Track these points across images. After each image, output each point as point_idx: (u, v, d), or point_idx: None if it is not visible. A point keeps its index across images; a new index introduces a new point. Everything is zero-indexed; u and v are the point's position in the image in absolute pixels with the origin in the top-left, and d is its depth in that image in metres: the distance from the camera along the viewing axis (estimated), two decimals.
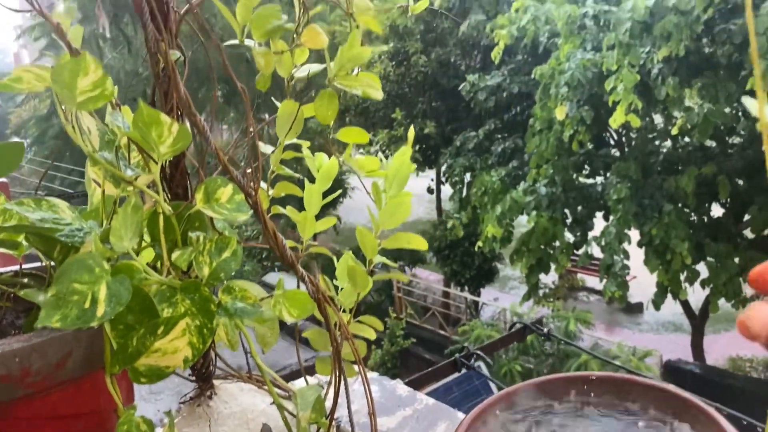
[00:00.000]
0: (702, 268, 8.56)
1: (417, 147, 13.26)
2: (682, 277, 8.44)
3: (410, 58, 12.36)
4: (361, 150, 13.39)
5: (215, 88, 1.10)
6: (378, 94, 1.21)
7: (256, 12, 1.10)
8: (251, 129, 1.02)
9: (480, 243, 9.56)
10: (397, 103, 13.02)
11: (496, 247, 9.42)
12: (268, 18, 1.10)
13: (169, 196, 1.03)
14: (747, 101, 0.49)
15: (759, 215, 8.74)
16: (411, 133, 1.40)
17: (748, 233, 9.33)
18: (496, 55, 9.38)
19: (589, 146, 9.64)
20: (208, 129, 0.90)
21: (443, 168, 12.50)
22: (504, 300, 13.93)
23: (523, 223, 10.05)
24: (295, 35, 1.15)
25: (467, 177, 11.61)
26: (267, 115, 1.18)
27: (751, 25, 0.53)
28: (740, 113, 9.10)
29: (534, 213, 9.00)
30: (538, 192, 9.14)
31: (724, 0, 7.23)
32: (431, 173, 15.02)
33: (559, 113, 7.93)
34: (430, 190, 15.48)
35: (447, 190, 12.75)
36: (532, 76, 8.94)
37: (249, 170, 1.04)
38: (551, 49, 9.59)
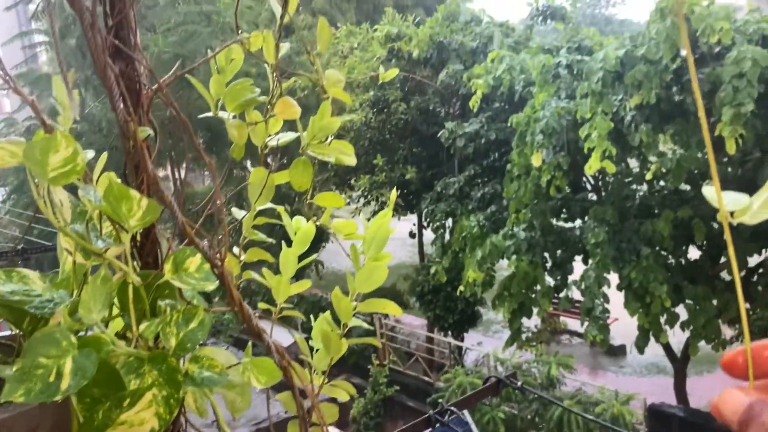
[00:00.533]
0: (681, 311, 8.64)
1: (399, 192, 13.33)
2: (663, 320, 8.50)
3: (390, 105, 12.57)
4: (343, 195, 13.47)
5: (194, 141, 1.14)
6: (351, 161, 1.26)
7: (230, 86, 1.15)
8: (218, 201, 1.05)
9: (462, 288, 9.58)
10: (379, 150, 13.17)
11: (477, 292, 9.45)
12: (242, 92, 1.15)
13: (139, 264, 1.06)
14: (706, 192, 0.53)
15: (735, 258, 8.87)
16: (393, 195, 1.45)
17: (725, 275, 9.46)
18: (474, 103, 9.59)
19: (567, 190, 9.80)
20: (175, 204, 0.94)
21: (425, 213, 12.59)
22: (488, 344, 13.88)
23: (504, 267, 10.11)
24: (269, 106, 1.20)
25: (448, 222, 11.70)
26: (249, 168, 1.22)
27: (695, 82, 0.58)
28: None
29: (514, 257, 9.07)
30: (518, 236, 9.22)
31: (692, 50, 7.49)
32: (413, 218, 15.11)
33: (536, 160, 8.08)
34: (412, 235, 15.54)
35: (429, 234, 12.82)
36: (509, 123, 9.12)
37: (220, 236, 1.07)
38: (527, 97, 9.83)
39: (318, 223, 1.29)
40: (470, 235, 10.29)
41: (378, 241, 1.20)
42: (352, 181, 13.20)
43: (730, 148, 6.87)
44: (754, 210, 0.51)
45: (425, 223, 13.19)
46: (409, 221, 15.19)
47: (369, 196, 12.98)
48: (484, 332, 15.56)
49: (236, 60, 1.15)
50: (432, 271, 11.60)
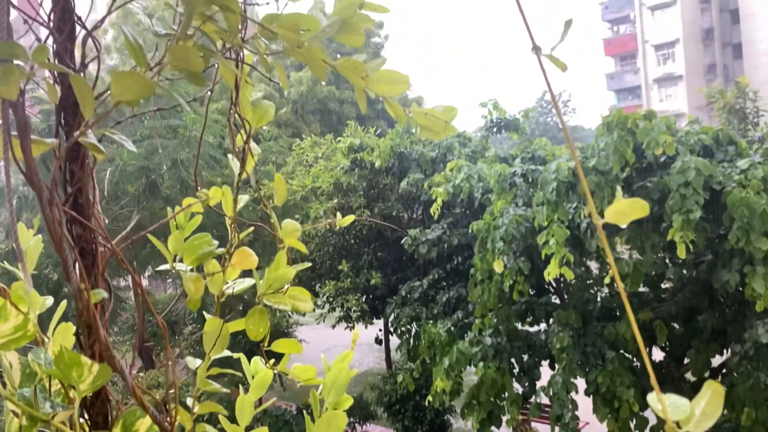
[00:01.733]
0: (650, 415, 8.56)
1: (364, 297, 13.32)
2: (632, 425, 8.40)
3: (354, 212, 12.77)
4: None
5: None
6: (307, 306, 1.28)
7: (188, 241, 1.18)
8: (169, 361, 1.06)
9: (430, 398, 9.39)
10: (343, 255, 13.24)
11: (446, 401, 9.26)
12: (199, 246, 1.18)
13: (88, 423, 1.04)
14: (650, 400, 0.56)
15: (697, 358, 8.97)
16: (356, 334, 1.46)
17: (690, 376, 9.49)
18: (435, 211, 9.83)
19: (531, 292, 9.90)
20: (126, 369, 0.94)
21: (390, 318, 12.51)
22: None
23: (472, 373, 9.97)
24: (227, 256, 1.24)
25: (414, 327, 11.63)
26: None
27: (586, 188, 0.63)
28: (667, 260, 9.63)
29: (481, 364, 8.98)
30: (484, 342, 9.18)
31: (638, 161, 7.91)
32: (379, 323, 14.97)
33: (497, 266, 8.21)
34: (378, 341, 15.34)
35: (395, 339, 12.67)
36: (470, 230, 9.33)
37: (171, 390, 1.06)
38: (486, 204, 10.13)
39: (276, 371, 1.29)
40: (439, 342, 10.22)
41: (338, 386, 1.21)
42: (317, 288, 13.13)
43: (681, 252, 7.11)
44: (696, 418, 0.54)
45: (391, 329, 13.08)
46: (377, 326, 15.04)
47: (334, 303, 12.89)
48: None
49: (195, 218, 1.19)
50: (399, 379, 11.38)
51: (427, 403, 9.86)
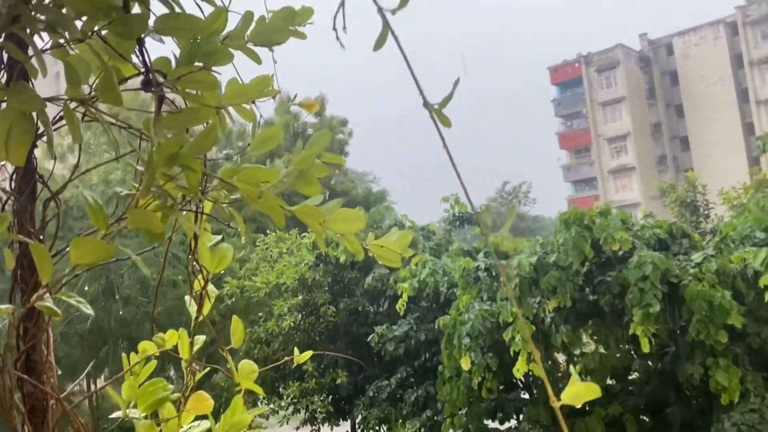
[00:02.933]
0: None
1: (330, 398, 12.95)
2: None
3: (319, 308, 12.63)
4: (272, 405, 12.89)
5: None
6: None
7: (142, 387, 1.17)
8: None
9: None
10: None
11: None
12: (154, 392, 1.17)
13: None
14: None
15: None
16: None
17: None
18: (400, 307, 9.80)
19: (500, 388, 9.77)
20: None
21: (358, 419, 12.14)
22: None
23: None
24: (182, 400, 1.22)
25: (383, 428, 11.29)
26: None
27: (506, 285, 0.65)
28: (632, 352, 9.67)
29: None
30: None
31: (597, 255, 8.10)
32: (346, 425, 14.48)
33: (464, 364, 8.14)
34: None
35: None
36: (436, 326, 9.29)
37: None
38: (452, 298, 10.15)
39: None
40: None
41: None
42: (281, 389, 12.73)
43: (644, 346, 7.18)
44: None
45: (359, 430, 12.65)
46: (343, 428, 14.54)
47: (298, 404, 12.48)
48: None
49: (150, 363, 1.18)
50: None
51: None
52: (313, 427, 12.89)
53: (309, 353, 1.41)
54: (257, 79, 1.18)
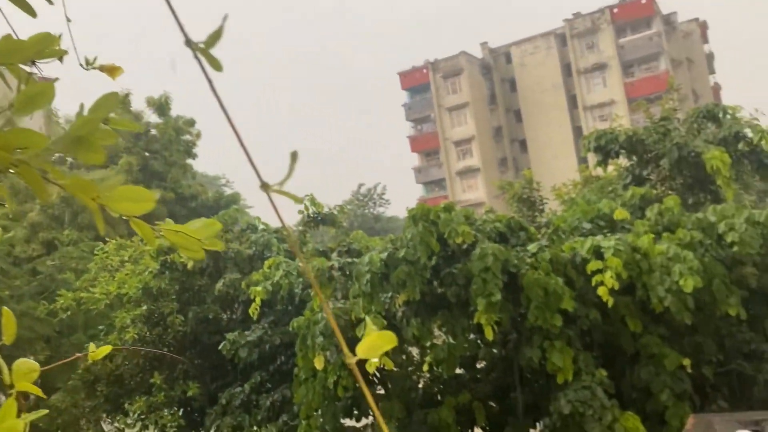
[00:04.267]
0: None
1: (181, 411, 12.32)
2: None
3: (166, 318, 11.97)
4: (116, 424, 12.03)
5: None
6: None
7: None
8: None
9: None
10: (156, 366, 12.23)
11: None
12: None
13: None
14: None
15: None
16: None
17: None
18: (253, 311, 9.54)
19: (356, 386, 9.81)
20: None
21: (211, 430, 11.64)
22: None
23: None
24: None
25: None
26: None
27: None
28: (479, 341, 10.15)
29: None
30: None
31: (443, 249, 8.39)
32: None
33: (318, 363, 8.08)
34: None
35: None
36: (290, 328, 9.14)
37: None
38: (307, 299, 10.06)
39: None
40: None
41: None
42: (126, 405, 11.90)
43: (488, 334, 7.53)
44: None
45: None
46: None
47: (146, 420, 11.73)
48: None
49: None
50: None
51: None
52: None
53: (107, 348, 1.25)
54: (37, 37, 1.02)
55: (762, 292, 8.92)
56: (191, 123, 27.65)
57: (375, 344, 0.66)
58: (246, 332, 10.79)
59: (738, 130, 10.14)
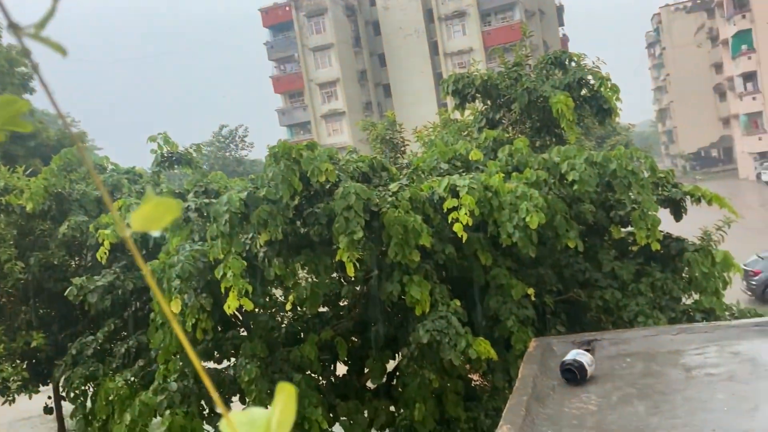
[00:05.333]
0: (339, 429, 9.00)
1: (25, 364, 11.51)
2: None
3: (4, 265, 10.98)
4: None
5: None
6: None
7: None
8: None
9: None
10: None
11: None
12: None
13: None
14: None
15: (374, 366, 9.73)
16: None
17: (370, 384, 10.26)
18: (101, 255, 8.99)
19: (219, 329, 9.67)
20: None
21: (61, 382, 11.02)
22: None
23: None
24: None
25: (90, 387, 10.43)
26: None
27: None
28: (341, 279, 10.33)
29: (167, 412, 8.41)
30: (170, 389, 8.63)
31: (306, 188, 8.33)
32: (48, 390, 13.08)
33: (175, 306, 7.82)
34: (48, 410, 13.37)
35: (69, 405, 11.17)
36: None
37: None
38: (162, 242, 9.63)
39: None
40: (117, 397, 9.32)
41: None
42: None
43: (350, 271, 7.65)
44: (274, 427, 0.55)
45: (63, 394, 11.50)
46: (46, 393, 13.10)
47: None
48: None
49: None
50: None
51: None
52: (7, 398, 11.39)
53: None
54: None
55: (597, 226, 9.80)
56: (26, 53, 24.82)
57: (153, 214, 0.56)
58: (95, 277, 10.18)
59: (581, 76, 10.85)
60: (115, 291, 10.29)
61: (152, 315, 9.09)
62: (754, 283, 20.75)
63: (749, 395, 3.74)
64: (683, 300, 9.33)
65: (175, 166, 12.50)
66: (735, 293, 14.71)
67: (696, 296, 9.32)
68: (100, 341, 10.45)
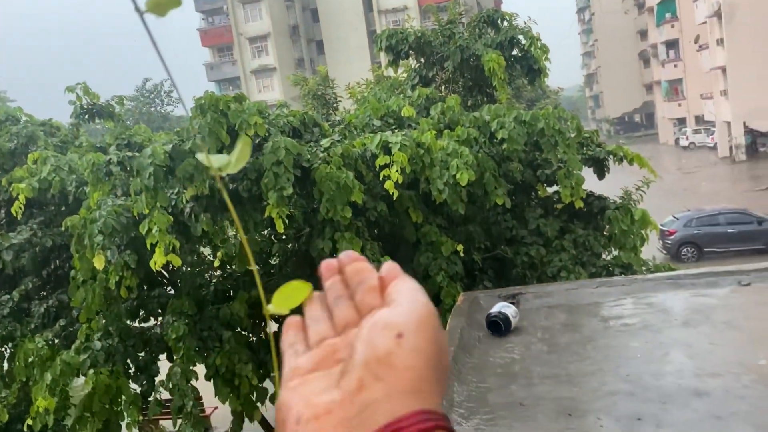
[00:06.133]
0: (270, 385, 9.00)
1: None
2: (254, 398, 8.71)
3: None
4: None
5: None
6: None
7: None
8: None
9: (30, 421, 8.19)
10: None
11: (49, 421, 8.18)
12: None
13: None
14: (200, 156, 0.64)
15: None
16: None
17: None
18: (16, 210, 8.52)
19: (144, 287, 9.43)
20: None
21: None
22: None
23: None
24: None
25: (7, 349, 10.02)
26: None
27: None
28: (272, 237, 10.21)
29: (91, 372, 8.18)
30: (93, 348, 8.38)
31: (233, 143, 8.08)
32: None
33: (98, 263, 7.53)
34: None
35: None
36: (63, 228, 8.36)
37: None
38: (82, 198, 9.22)
39: None
40: (38, 358, 8.98)
41: None
42: None
43: (279, 227, 7.56)
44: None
45: None
46: None
47: None
48: None
49: None
50: None
51: (26, 428, 8.58)
52: None
53: None
54: None
55: (524, 185, 10.02)
56: None
57: (289, 294, 0.61)
58: (10, 234, 9.66)
59: (513, 35, 10.93)
60: (32, 248, 9.82)
61: (73, 273, 8.74)
62: (669, 242, 21.89)
63: (661, 343, 3.93)
64: (604, 256, 9.74)
65: (96, 119, 11.92)
66: (651, 251, 15.49)
67: (615, 252, 9.74)
68: (16, 300, 9.98)
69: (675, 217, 22.45)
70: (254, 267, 0.69)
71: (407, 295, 0.50)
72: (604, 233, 9.87)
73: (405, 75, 12.53)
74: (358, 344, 0.48)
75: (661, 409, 3.17)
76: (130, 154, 8.38)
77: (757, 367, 3.48)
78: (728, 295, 4.64)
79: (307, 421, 0.45)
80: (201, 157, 0.59)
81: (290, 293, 0.60)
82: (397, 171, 7.99)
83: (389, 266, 0.55)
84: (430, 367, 0.46)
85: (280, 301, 0.59)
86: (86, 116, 11.83)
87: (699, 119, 54.92)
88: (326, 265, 0.61)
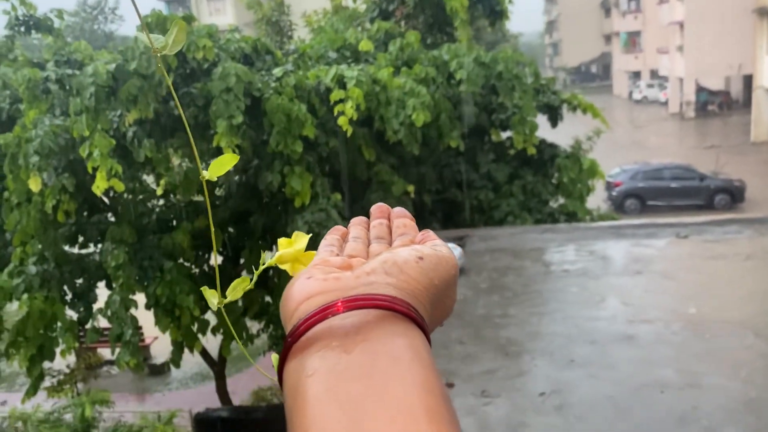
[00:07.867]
0: (211, 317, 8.94)
1: None
2: (195, 329, 8.65)
3: None
4: None
5: None
6: None
7: None
8: None
9: None
10: None
11: None
12: None
13: None
14: None
15: (251, 257, 9.65)
16: None
17: (246, 274, 10.20)
18: None
19: (85, 214, 9.11)
20: None
21: None
22: (16, 400, 11.94)
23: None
24: None
25: None
26: None
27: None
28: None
29: (25, 296, 7.94)
30: (28, 272, 8.11)
31: (182, 66, 7.74)
32: None
33: (33, 185, 7.20)
34: None
35: None
36: None
37: None
38: (16, 116, 8.72)
39: None
40: None
41: None
42: None
43: (229, 160, 7.32)
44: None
45: None
46: None
47: None
48: (9, 388, 13.40)
49: None
50: None
51: None
52: None
53: None
54: None
55: (478, 128, 9.99)
56: None
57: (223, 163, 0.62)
58: None
59: None
60: None
61: (6, 194, 8.35)
62: (614, 193, 22.43)
63: (599, 288, 4.00)
64: (550, 203, 9.89)
65: (33, 32, 11.17)
66: (596, 201, 15.85)
67: (562, 200, 9.89)
68: None
69: (623, 169, 22.96)
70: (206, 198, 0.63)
71: (441, 246, 0.55)
72: (553, 181, 9.99)
73: (364, 6, 12.13)
74: (383, 253, 0.52)
75: (594, 351, 3.25)
76: (69, 71, 7.90)
77: (686, 315, 3.60)
78: (666, 247, 4.76)
79: (316, 295, 0.47)
80: (141, 35, 0.58)
81: (222, 162, 0.61)
82: (351, 107, 7.81)
83: (429, 231, 0.61)
84: (432, 297, 0.49)
85: (214, 170, 0.61)
86: (22, 28, 11.06)
87: (654, 74, 55.66)
88: (380, 207, 0.66)
